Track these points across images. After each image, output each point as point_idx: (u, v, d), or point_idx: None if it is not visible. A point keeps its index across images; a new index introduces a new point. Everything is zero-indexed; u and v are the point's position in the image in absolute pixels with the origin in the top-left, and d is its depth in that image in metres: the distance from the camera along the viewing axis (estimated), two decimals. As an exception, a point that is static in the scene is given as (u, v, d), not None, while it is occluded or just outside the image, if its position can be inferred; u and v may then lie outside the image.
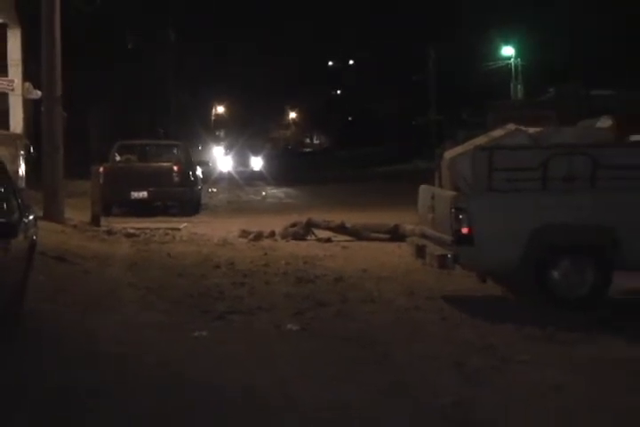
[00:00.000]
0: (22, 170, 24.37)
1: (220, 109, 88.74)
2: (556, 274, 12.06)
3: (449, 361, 9.45)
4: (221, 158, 49.15)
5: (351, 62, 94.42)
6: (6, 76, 25.08)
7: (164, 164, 27.51)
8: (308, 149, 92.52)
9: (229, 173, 46.12)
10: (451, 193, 12.57)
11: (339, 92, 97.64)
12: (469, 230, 11.91)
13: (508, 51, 66.90)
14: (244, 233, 20.21)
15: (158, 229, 21.74)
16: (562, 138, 13.09)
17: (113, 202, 25.78)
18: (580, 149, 12.38)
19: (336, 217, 21.15)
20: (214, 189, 34.41)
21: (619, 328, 10.74)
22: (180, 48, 56.22)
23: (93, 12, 33.44)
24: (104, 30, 40.61)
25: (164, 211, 25.90)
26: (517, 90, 64.73)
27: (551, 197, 12.21)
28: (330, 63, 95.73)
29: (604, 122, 13.49)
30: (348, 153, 69.78)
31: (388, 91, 77.93)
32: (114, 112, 46.11)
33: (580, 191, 12.19)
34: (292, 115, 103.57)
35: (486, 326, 11.13)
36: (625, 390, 8.46)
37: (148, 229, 21.61)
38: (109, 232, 20.94)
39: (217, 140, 58.15)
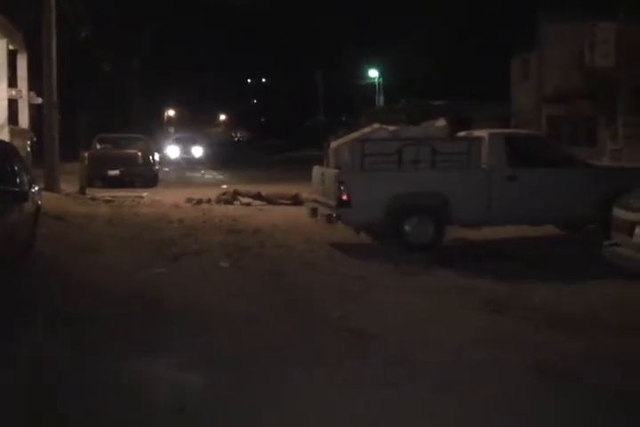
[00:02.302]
0: (29, 154, 23.92)
1: (171, 113, 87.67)
2: (407, 228, 12.17)
3: (333, 287, 9.56)
4: (171, 148, 48.28)
5: (264, 80, 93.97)
6: (16, 87, 24.68)
7: (132, 150, 27.15)
8: (237, 138, 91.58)
9: (177, 158, 45.43)
10: (335, 171, 12.62)
11: (255, 101, 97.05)
12: (348, 197, 11.99)
13: (373, 73, 66.99)
14: (189, 199, 20.04)
15: (128, 196, 21.45)
16: (411, 133, 13.25)
17: (95, 178, 25.36)
18: (423, 141, 12.53)
19: (254, 188, 21.08)
20: (167, 169, 34.01)
21: (449, 265, 10.87)
22: (142, 69, 55.50)
23: (81, 42, 32.94)
24: (88, 55, 39.93)
25: (132, 184, 25.53)
26: (380, 100, 64.99)
27: (404, 174, 12.34)
28: (249, 80, 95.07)
29: (440, 123, 13.67)
30: (263, 143, 69.34)
31: (289, 100, 77.86)
32: (95, 114, 45.47)
33: (423, 170, 12.35)
34: (223, 117, 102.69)
35: (359, 263, 11.20)
36: (457, 303, 8.69)
37: (120, 196, 21.32)
38: (93, 199, 20.64)
39: (168, 135, 57.27)
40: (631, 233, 8.47)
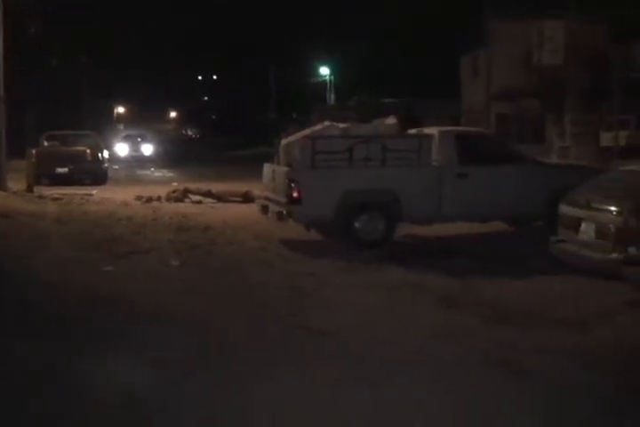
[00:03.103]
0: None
1: (121, 109, 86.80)
2: (358, 224, 12.21)
3: (285, 284, 9.57)
4: (121, 145, 47.65)
5: (215, 77, 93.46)
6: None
7: (81, 148, 26.80)
8: (193, 135, 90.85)
9: (126, 156, 44.88)
10: (286, 168, 12.62)
11: (206, 98, 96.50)
12: (298, 194, 11.99)
13: (324, 70, 67.07)
14: (139, 197, 19.88)
15: (76, 194, 21.18)
16: (362, 131, 13.28)
17: (43, 175, 24.99)
18: (374, 139, 12.58)
19: (205, 186, 20.99)
20: (116, 167, 33.66)
21: (400, 261, 10.93)
22: (92, 65, 54.81)
23: (30, 37, 32.42)
24: (36, 50, 39.36)
25: (80, 182, 25.23)
26: (331, 98, 65.10)
27: (354, 171, 12.38)
28: (200, 77, 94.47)
29: (390, 120, 13.72)
30: (214, 141, 68.97)
31: (241, 97, 77.59)
32: (43, 111, 44.77)
33: (374, 167, 12.40)
34: (173, 114, 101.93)
35: (310, 260, 11.22)
36: (409, 299, 8.75)
37: (69, 194, 21.04)
38: (40, 197, 20.35)
39: (118, 132, 56.57)
40: (577, 229, 8.62)
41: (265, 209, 13.16)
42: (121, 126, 73.23)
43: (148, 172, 34.11)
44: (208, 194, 19.93)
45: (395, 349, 6.85)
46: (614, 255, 7.87)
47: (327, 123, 13.59)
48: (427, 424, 5.16)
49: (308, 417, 5.35)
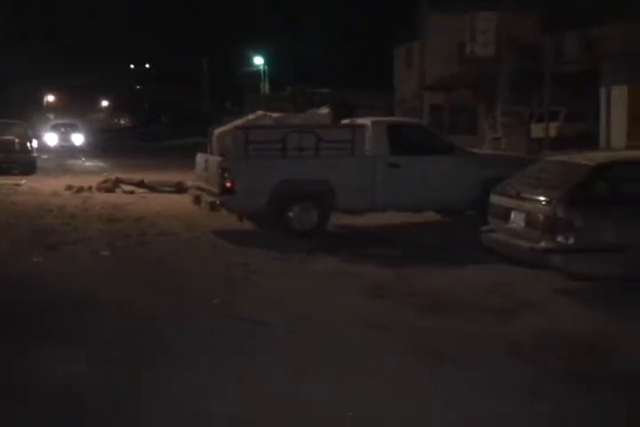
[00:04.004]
0: None
1: (51, 98, 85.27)
2: (291, 214, 12.22)
3: (218, 274, 9.55)
4: (50, 135, 46.70)
5: (147, 66, 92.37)
6: None
7: (8, 137, 26.30)
8: (122, 124, 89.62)
9: (56, 146, 44.05)
10: (219, 158, 12.57)
11: (138, 87, 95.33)
12: (232, 184, 11.96)
13: (258, 60, 66.88)
14: (69, 187, 19.59)
15: (4, 184, 20.82)
16: (295, 121, 13.29)
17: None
18: (308, 129, 12.59)
19: (137, 176, 20.78)
20: (46, 157, 33.10)
21: (333, 251, 11.00)
22: (19, 52, 53.64)
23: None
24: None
25: (8, 171, 24.75)
26: (265, 87, 64.97)
27: (288, 161, 12.37)
28: (132, 66, 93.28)
29: (324, 110, 13.76)
30: (146, 130, 68.23)
31: (174, 86, 76.95)
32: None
33: (307, 157, 12.41)
34: (105, 102, 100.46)
35: (243, 250, 11.20)
36: (342, 289, 8.79)
37: (-4, 184, 20.68)
38: (-34, 187, 19.97)
39: (47, 121, 55.47)
40: (507, 219, 8.76)
41: (198, 199, 13.09)
42: (51, 115, 71.90)
43: (78, 162, 33.61)
44: (140, 184, 19.74)
45: (326, 338, 6.89)
46: (543, 244, 8.01)
47: (260, 112, 13.58)
48: (355, 414, 5.20)
49: (232, 405, 5.34)
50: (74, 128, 48.16)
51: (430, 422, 5.12)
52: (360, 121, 13.53)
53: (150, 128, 68.67)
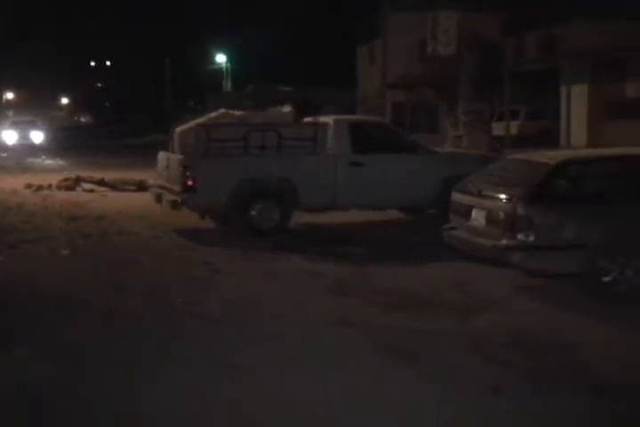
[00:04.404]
0: None
1: (10, 95, 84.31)
2: (254, 212, 12.19)
3: (180, 273, 9.51)
4: (8, 133, 45.94)
5: (108, 63, 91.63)
6: None
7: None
8: (83, 122, 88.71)
9: (15, 144, 43.41)
10: (180, 156, 12.49)
11: (99, 84, 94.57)
12: (193, 182, 11.91)
13: (221, 58, 66.66)
14: (29, 185, 19.40)
15: (-39, 183, 20.56)
16: (257, 119, 13.27)
17: None
18: (270, 127, 12.58)
19: (98, 174, 20.60)
20: (5, 155, 32.72)
21: (296, 249, 10.99)
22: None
23: None
24: None
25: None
26: (227, 85, 64.79)
27: (250, 159, 12.34)
28: (92, 63, 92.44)
29: (286, 109, 13.75)
30: (107, 128, 67.69)
31: (136, 84, 76.50)
32: None
33: (269, 155, 12.39)
34: (65, 100, 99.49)
35: (205, 249, 11.17)
36: (304, 287, 8.80)
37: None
38: None
39: (6, 119, 54.68)
40: (468, 217, 8.81)
41: (159, 198, 13.01)
42: (10, 113, 71.08)
43: (38, 160, 33.24)
44: (101, 182, 19.59)
45: (288, 336, 6.88)
46: (503, 242, 8.06)
47: (222, 110, 13.53)
48: (316, 413, 5.20)
49: (189, 403, 5.33)
50: (33, 126, 47.50)
51: (390, 421, 5.12)
52: (322, 119, 13.54)
53: (111, 126, 68.11)
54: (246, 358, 6.26)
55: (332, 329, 7.11)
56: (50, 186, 19.35)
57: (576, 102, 26.94)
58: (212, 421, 5.14)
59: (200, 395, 5.49)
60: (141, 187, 18.26)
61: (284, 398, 5.43)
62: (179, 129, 13.23)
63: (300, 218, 12.92)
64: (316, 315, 7.60)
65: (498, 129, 30.00)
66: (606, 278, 8.08)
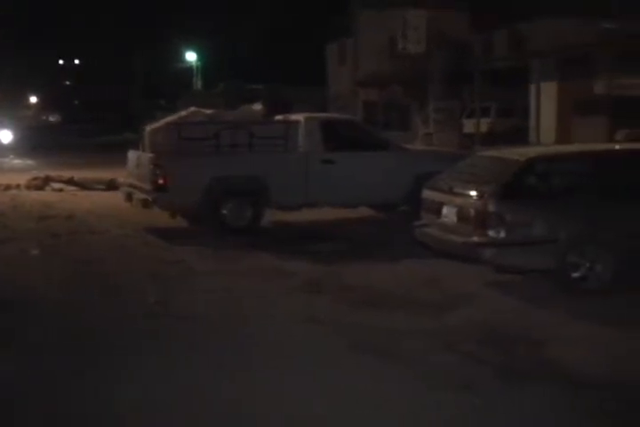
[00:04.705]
0: None
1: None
2: (225, 211, 12.17)
3: (151, 272, 9.47)
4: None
5: (77, 62, 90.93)
6: None
7: None
8: (52, 121, 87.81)
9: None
10: (151, 155, 12.43)
11: (68, 83, 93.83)
12: (164, 181, 11.86)
13: (191, 56, 66.36)
14: (-3, 185, 19.23)
15: None
16: (228, 117, 13.25)
17: None
18: (241, 125, 12.57)
19: (67, 173, 20.44)
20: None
21: (267, 248, 11.00)
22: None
23: None
24: None
25: None
26: (198, 84, 64.54)
27: (221, 158, 12.32)
28: (61, 61, 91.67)
29: (257, 107, 13.76)
30: (77, 127, 67.17)
31: (106, 82, 75.98)
32: None
33: (241, 153, 12.37)
34: (33, 99, 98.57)
35: (177, 248, 11.13)
36: (276, 285, 8.78)
37: None
38: None
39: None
40: (439, 214, 8.85)
41: (129, 197, 12.95)
42: (-23, 112, 70.27)
43: (6, 159, 32.89)
44: (70, 182, 19.44)
45: (262, 335, 6.88)
46: (475, 238, 8.11)
47: (193, 109, 13.50)
48: (285, 412, 5.21)
49: (163, 404, 5.33)
50: (1, 125, 47.02)
51: (363, 418, 5.14)
52: (293, 117, 13.54)
53: (80, 125, 67.57)
54: (219, 356, 6.26)
55: (304, 327, 7.12)
56: (18, 185, 19.17)
57: (545, 100, 27.13)
58: (181, 419, 5.13)
59: (171, 394, 5.48)
60: (111, 186, 18.15)
61: (257, 396, 5.43)
62: (149, 128, 13.17)
63: (272, 216, 12.90)
64: (288, 313, 7.60)
65: (468, 126, 30.13)
66: (576, 274, 8.16)
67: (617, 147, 11.80)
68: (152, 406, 5.30)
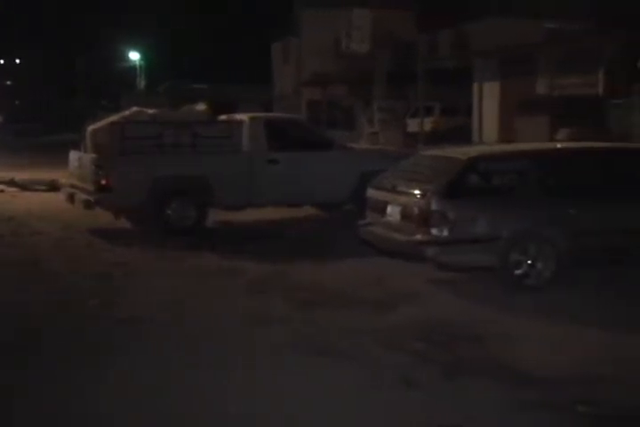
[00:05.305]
0: None
1: None
2: (170, 211, 12.10)
3: (95, 275, 9.38)
4: None
5: (18, 61, 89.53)
6: None
7: None
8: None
9: None
10: (93, 156, 12.31)
11: (9, 82, 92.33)
12: (107, 182, 11.76)
13: (134, 55, 65.81)
14: None
15: None
16: (172, 117, 13.17)
17: None
18: (184, 125, 12.51)
19: (7, 174, 20.13)
20: None
21: (213, 248, 10.99)
22: None
23: None
24: None
25: None
26: (141, 83, 64.04)
27: (164, 158, 12.24)
28: (1, 61, 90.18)
29: (201, 106, 13.71)
30: (17, 127, 66.09)
31: (47, 82, 74.92)
32: None
33: (185, 153, 12.29)
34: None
35: (120, 249, 11.04)
36: (222, 286, 8.75)
37: None
38: None
39: None
40: (383, 212, 8.91)
41: (71, 197, 12.81)
42: None
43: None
44: (11, 183, 19.16)
45: (206, 336, 6.87)
46: (418, 237, 8.19)
47: (136, 108, 13.40)
48: (226, 411, 5.21)
49: (101, 404, 5.31)
50: None
51: (305, 414, 5.16)
52: (237, 117, 13.53)
53: (21, 125, 66.52)
54: (164, 358, 6.23)
55: (249, 327, 7.11)
56: (-46, 188, 18.85)
57: (488, 99, 27.47)
58: (124, 421, 5.12)
59: (109, 396, 5.46)
60: (53, 187, 17.93)
61: (205, 398, 5.42)
62: (91, 128, 13.04)
63: (216, 216, 12.87)
64: (233, 313, 7.60)
65: (413, 125, 30.36)
66: (518, 271, 8.29)
67: (558, 146, 12.00)
68: (81, 406, 5.27)
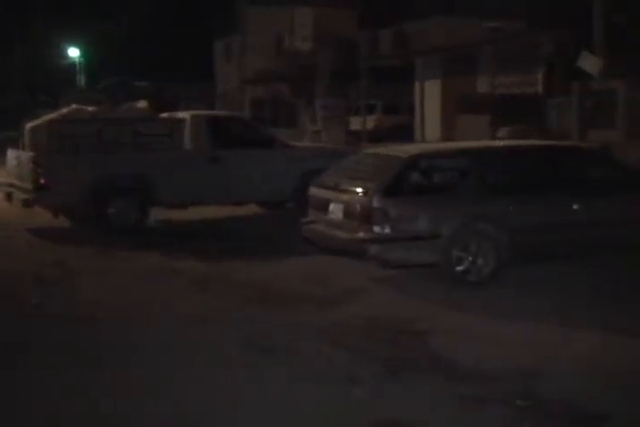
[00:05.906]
0: None
1: None
2: (110, 210, 11.99)
3: (34, 274, 9.25)
4: None
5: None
6: None
7: None
8: None
9: None
10: (31, 154, 12.14)
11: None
12: (46, 180, 11.62)
13: (74, 52, 64.89)
14: None
15: None
16: (112, 114, 13.06)
17: None
18: (125, 122, 12.42)
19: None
20: None
21: (155, 247, 10.88)
22: None
23: None
24: None
25: None
26: (81, 80, 63.25)
27: (105, 156, 12.11)
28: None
29: (142, 104, 13.61)
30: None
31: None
32: None
33: (125, 151, 12.20)
34: None
35: (61, 248, 10.94)
36: (164, 285, 8.75)
37: None
38: None
39: None
40: (326, 210, 8.94)
41: (9, 196, 12.65)
42: None
43: None
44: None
45: (151, 336, 6.83)
46: (360, 235, 8.23)
47: (75, 106, 13.26)
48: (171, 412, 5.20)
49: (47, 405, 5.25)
50: None
51: (246, 412, 5.16)
52: (179, 115, 13.47)
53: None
54: (107, 359, 6.17)
55: (191, 326, 7.08)
56: None
57: (430, 97, 27.75)
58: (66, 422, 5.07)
59: (49, 396, 5.40)
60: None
61: (138, 399, 5.39)
62: (29, 125, 12.86)
63: (159, 215, 12.78)
64: (175, 312, 7.56)
65: (355, 123, 30.52)
66: (459, 268, 8.38)
67: (498, 144, 12.17)
68: (36, 406, 5.22)
